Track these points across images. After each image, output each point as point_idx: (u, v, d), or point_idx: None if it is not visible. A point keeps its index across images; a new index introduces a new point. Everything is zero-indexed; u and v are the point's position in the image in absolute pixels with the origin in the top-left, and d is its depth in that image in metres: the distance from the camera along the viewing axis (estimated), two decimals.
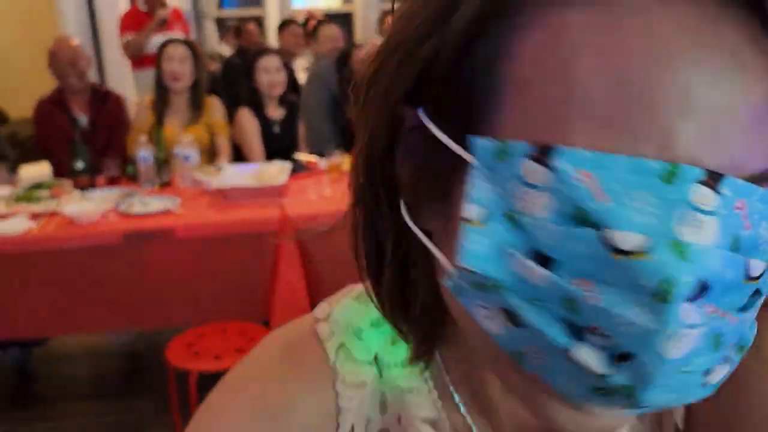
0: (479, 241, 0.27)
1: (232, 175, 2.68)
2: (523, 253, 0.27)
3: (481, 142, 0.27)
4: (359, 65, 3.65)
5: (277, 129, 3.21)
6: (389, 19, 0.35)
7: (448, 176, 0.30)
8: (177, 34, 4.12)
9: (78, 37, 4.84)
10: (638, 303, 0.25)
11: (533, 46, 0.27)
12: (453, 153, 0.28)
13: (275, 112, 3.22)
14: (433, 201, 0.32)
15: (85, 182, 2.72)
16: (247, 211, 2.43)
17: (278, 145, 3.15)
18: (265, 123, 3.18)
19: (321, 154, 3.02)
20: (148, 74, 3.44)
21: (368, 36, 6.84)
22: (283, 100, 3.23)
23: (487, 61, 0.28)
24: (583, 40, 0.25)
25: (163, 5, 4.19)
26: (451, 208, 0.30)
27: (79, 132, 2.93)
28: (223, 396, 0.45)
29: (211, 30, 6.62)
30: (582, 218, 0.25)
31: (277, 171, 2.68)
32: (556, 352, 0.27)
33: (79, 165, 2.70)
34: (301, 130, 3.34)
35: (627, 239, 0.25)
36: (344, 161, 2.83)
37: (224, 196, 2.55)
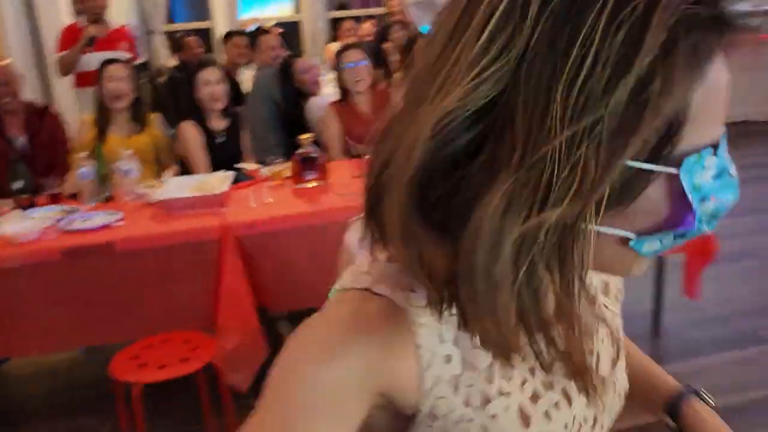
0: (696, 210, 0.48)
1: (174, 186, 2.70)
2: (700, 202, 0.48)
3: (689, 158, 0.47)
4: (299, 75, 3.70)
5: (220, 140, 3.23)
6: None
7: (641, 189, 0.47)
8: (121, 52, 4.11)
9: (21, 56, 4.81)
10: (734, 193, 0.50)
11: (703, 95, 0.45)
12: (645, 173, 0.47)
13: (218, 123, 3.24)
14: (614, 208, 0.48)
15: (25, 201, 2.71)
16: (188, 222, 2.45)
17: (223, 156, 3.17)
18: (208, 134, 3.20)
19: (266, 163, 3.05)
20: (91, 92, 3.43)
21: (317, 43, 6.89)
22: (226, 111, 3.26)
23: (681, 110, 0.45)
24: (711, 84, 0.45)
25: (98, 21, 4.15)
26: (632, 206, 0.48)
27: (16, 152, 2.91)
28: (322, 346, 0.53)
29: (160, 44, 6.58)
30: (724, 171, 0.49)
31: (219, 181, 2.70)
32: (695, 233, 0.49)
33: (18, 185, 2.69)
34: (246, 139, 3.36)
35: (733, 170, 0.50)
36: (285, 169, 2.87)
37: (165, 207, 2.56)
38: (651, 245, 0.50)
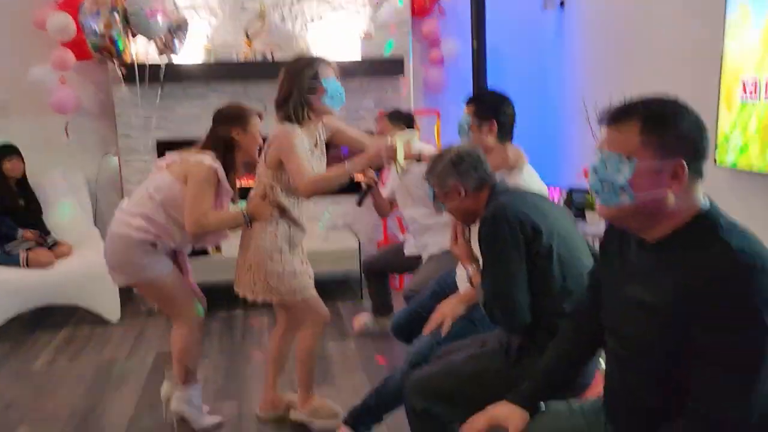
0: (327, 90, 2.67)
1: None
2: (329, 88, 2.59)
3: (324, 80, 2.61)
4: None
5: None
6: None
7: (318, 85, 2.63)
8: None
9: None
10: (341, 89, 2.62)
11: (323, 70, 2.68)
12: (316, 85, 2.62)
13: None
14: None
15: None
16: None
17: None
18: None
19: None
20: None
21: None
22: None
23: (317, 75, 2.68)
24: (329, 69, 2.67)
25: None
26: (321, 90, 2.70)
27: None
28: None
29: None
30: (335, 82, 2.64)
31: None
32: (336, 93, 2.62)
33: None
34: None
35: (338, 84, 2.66)
36: None
37: None
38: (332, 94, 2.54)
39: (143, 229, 2.59)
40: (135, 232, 2.59)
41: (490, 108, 2.57)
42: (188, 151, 2.69)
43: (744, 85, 2.69)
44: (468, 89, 4.68)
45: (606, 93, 2.89)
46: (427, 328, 2.43)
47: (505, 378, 1.75)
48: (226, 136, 2.67)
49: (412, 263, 3.52)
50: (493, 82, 4.53)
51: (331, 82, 2.52)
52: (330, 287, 2.79)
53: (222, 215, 2.65)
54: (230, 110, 2.75)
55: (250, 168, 2.84)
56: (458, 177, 2.01)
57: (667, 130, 1.24)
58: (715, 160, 2.85)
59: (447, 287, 2.67)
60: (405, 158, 2.48)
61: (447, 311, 2.40)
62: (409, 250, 3.62)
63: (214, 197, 2.61)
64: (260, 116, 2.77)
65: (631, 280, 1.36)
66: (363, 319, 3.89)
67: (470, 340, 2.18)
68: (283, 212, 2.59)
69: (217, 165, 2.61)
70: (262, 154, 2.60)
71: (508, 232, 1.83)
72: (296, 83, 2.49)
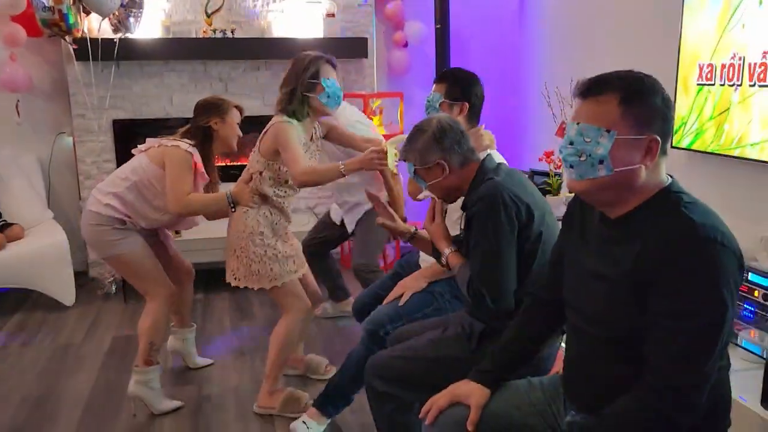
0: (327, 90, 2.74)
1: None
2: (328, 88, 2.69)
3: (324, 80, 2.65)
4: None
5: None
6: None
7: (316, 85, 2.69)
8: None
9: None
10: (339, 90, 2.68)
11: (324, 70, 2.74)
12: (315, 81, 2.70)
13: None
14: None
15: None
16: None
17: None
18: None
19: None
20: None
21: None
22: None
23: (316, 72, 2.76)
24: (329, 68, 2.77)
25: None
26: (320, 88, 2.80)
27: None
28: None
29: None
30: (333, 83, 2.69)
31: None
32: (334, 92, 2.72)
33: None
34: None
35: (338, 84, 2.74)
36: None
37: None
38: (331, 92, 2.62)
39: (112, 207, 2.70)
40: (104, 209, 2.70)
41: (463, 89, 2.53)
42: (167, 138, 2.78)
43: (700, 69, 2.74)
44: (431, 72, 4.67)
45: (566, 76, 2.93)
46: (387, 299, 2.44)
47: (466, 364, 1.72)
48: (205, 125, 2.78)
49: (344, 231, 3.53)
50: (456, 66, 4.51)
51: (330, 82, 2.60)
52: None
53: (206, 196, 2.75)
54: (209, 101, 2.87)
55: (232, 156, 2.86)
56: (442, 153, 1.89)
57: (644, 104, 1.24)
58: (671, 143, 2.90)
59: (409, 268, 2.68)
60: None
61: (408, 284, 2.41)
62: (335, 217, 3.59)
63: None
64: (240, 110, 2.86)
65: (591, 253, 1.37)
66: (323, 306, 3.87)
67: (431, 323, 2.18)
68: (265, 199, 2.64)
69: (193, 150, 2.69)
70: (257, 142, 2.65)
71: (504, 215, 1.78)
72: (298, 80, 2.58)
